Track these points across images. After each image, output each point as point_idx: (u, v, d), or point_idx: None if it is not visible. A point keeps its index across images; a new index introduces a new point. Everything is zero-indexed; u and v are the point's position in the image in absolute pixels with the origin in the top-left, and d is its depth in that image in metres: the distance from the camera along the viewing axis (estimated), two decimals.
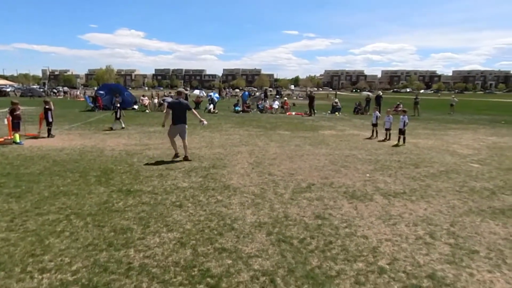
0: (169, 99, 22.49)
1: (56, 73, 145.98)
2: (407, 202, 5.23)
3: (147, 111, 21.14)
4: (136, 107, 22.63)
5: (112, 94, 22.11)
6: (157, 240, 3.80)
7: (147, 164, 7.38)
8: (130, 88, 39.97)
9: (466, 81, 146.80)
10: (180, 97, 7.95)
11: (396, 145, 10.47)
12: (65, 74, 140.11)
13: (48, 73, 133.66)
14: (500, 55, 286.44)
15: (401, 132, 10.78)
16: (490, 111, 27.93)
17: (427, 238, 4.00)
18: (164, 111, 7.07)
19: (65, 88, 62.25)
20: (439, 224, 4.42)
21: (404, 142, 10.66)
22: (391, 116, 11.77)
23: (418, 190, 5.87)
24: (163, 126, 8.25)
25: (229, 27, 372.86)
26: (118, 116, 13.21)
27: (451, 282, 3.09)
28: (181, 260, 3.37)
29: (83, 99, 35.33)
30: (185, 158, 7.69)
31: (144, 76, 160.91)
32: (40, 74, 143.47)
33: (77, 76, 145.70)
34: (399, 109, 24.09)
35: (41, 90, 49.42)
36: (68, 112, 19.82)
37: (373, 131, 12.35)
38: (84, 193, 5.31)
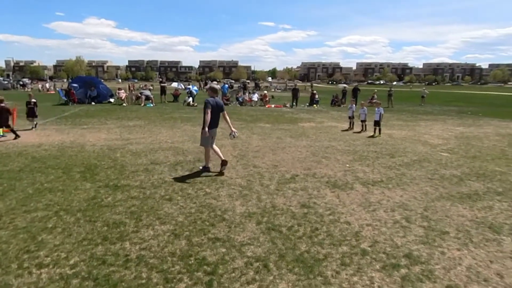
0: (147, 92, 22.12)
1: (21, 64, 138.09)
2: (384, 190, 5.60)
3: (124, 104, 20.66)
4: (112, 100, 22.06)
5: (86, 87, 21.46)
6: (151, 232, 3.91)
7: (131, 159, 7.36)
8: (102, 80, 38.36)
9: (435, 73, 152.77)
10: (215, 95, 6.37)
11: (372, 136, 10.96)
12: (31, 65, 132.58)
13: (12, 64, 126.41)
14: (466, 48, 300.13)
15: (377, 123, 11.27)
16: (457, 103, 29.43)
17: (403, 222, 4.35)
18: (204, 114, 5.93)
19: (25, 80, 54.18)
20: (414, 209, 4.80)
21: (379, 133, 11.18)
22: (365, 108, 12.23)
23: (394, 178, 6.27)
24: (205, 134, 6.02)
25: (204, 17, 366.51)
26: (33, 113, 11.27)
27: (425, 260, 3.43)
28: (177, 250, 3.52)
29: (54, 92, 33.98)
30: (223, 163, 6.35)
31: (117, 67, 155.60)
32: (3, 65, 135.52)
33: (45, 68, 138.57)
34: (374, 100, 24.97)
35: (6, 82, 45.78)
36: (40, 106, 18.95)
37: (350, 123, 12.81)
38: (70, 189, 5.29)
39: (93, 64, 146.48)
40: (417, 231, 4.09)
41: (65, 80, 76.57)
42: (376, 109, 11.57)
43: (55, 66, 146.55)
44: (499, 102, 31.03)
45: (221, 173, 6.23)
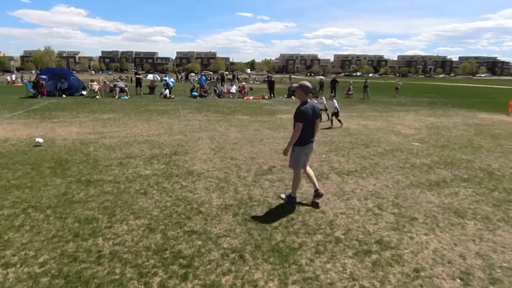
0: (122, 84, 21.47)
1: None
2: (358, 179, 5.75)
3: (97, 97, 19.96)
4: (84, 92, 21.25)
5: (56, 78, 20.55)
6: (125, 227, 3.84)
7: (104, 153, 7.16)
8: (74, 72, 36.56)
9: (409, 65, 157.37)
10: (308, 97, 4.50)
11: (329, 128, 11.00)
12: None
13: None
14: (438, 41, 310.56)
15: (336, 115, 11.30)
16: (429, 94, 30.50)
17: (375, 209, 4.50)
18: (294, 129, 4.30)
19: None
20: (386, 197, 4.97)
21: (341, 123, 11.27)
22: (335, 100, 11.83)
23: (368, 168, 6.45)
24: (286, 154, 4.54)
25: (181, 7, 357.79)
26: None
27: (395, 245, 3.57)
28: (152, 244, 3.48)
29: (21, 84, 32.31)
30: (317, 195, 4.66)
31: (90, 58, 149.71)
32: None
33: (11, 59, 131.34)
34: (350, 92, 25.46)
35: None
36: (7, 99, 18.03)
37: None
38: (40, 185, 5.09)
39: (64, 55, 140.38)
40: (388, 218, 4.24)
41: (33, 71, 72.64)
42: (331, 102, 11.55)
43: (22, 57, 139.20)
44: (466, 93, 32.42)
45: (315, 205, 4.57)
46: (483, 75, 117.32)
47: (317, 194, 4.66)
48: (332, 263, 3.23)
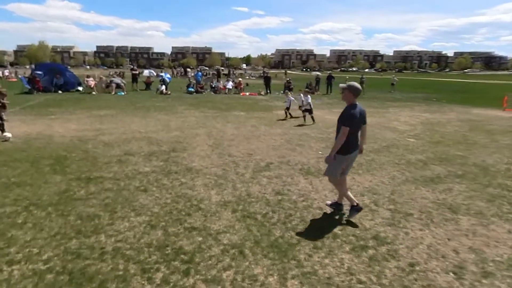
0: (118, 80, 21.37)
1: None
2: (355, 175, 5.85)
3: (93, 93, 19.86)
4: (80, 88, 21.13)
5: (51, 74, 20.40)
6: (127, 224, 3.90)
7: (103, 150, 7.18)
8: (69, 67, 36.08)
9: (405, 60, 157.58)
10: (356, 99, 4.12)
11: (302, 124, 10.89)
12: None
13: None
14: (433, 36, 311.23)
15: (310, 111, 11.19)
16: (424, 89, 30.67)
17: (372, 205, 4.60)
18: (341, 132, 3.93)
19: None
20: (382, 193, 5.07)
21: (313, 120, 11.16)
22: (308, 96, 11.66)
23: (364, 164, 6.55)
24: (334, 158, 4.02)
25: (175, 1, 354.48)
26: None
27: (391, 241, 3.67)
28: (153, 241, 3.55)
29: (16, 79, 32.01)
30: (356, 208, 4.14)
31: (85, 53, 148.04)
32: None
33: (4, 53, 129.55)
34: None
35: None
36: None
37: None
38: (40, 183, 5.12)
39: (58, 49, 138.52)
40: (384, 214, 4.34)
41: (27, 66, 71.89)
42: (305, 97, 11.32)
43: (15, 52, 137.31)
44: (461, 89, 32.65)
45: (352, 223, 4.08)
46: (476, 70, 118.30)
47: (354, 208, 4.14)
48: (330, 258, 3.32)
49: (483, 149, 7.93)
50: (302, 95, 11.64)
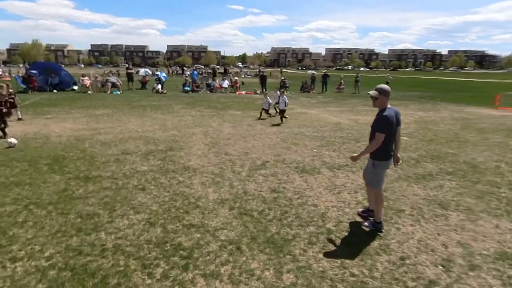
0: (114, 79, 21.32)
1: None
2: (349, 173, 5.98)
3: (89, 92, 19.80)
4: (76, 88, 21.05)
5: (46, 73, 20.30)
6: (126, 222, 3.99)
7: (100, 149, 7.24)
8: (63, 66, 35.61)
9: (400, 59, 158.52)
10: (386, 99, 3.87)
11: (278, 125, 10.79)
12: None
13: None
14: (428, 34, 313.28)
15: (282, 112, 11.20)
16: (418, 88, 30.98)
17: (365, 202, 4.72)
18: (374, 140, 3.72)
19: None
20: None
21: (282, 120, 11.12)
22: (285, 96, 11.55)
23: (358, 162, 6.67)
24: (356, 159, 3.96)
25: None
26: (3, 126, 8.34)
27: (383, 236, 3.81)
28: (152, 238, 3.65)
29: (10, 78, 31.74)
30: (377, 226, 3.94)
31: (79, 52, 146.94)
32: None
33: None
34: (342, 87, 25.73)
35: None
36: None
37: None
38: (39, 182, 5.19)
39: (52, 48, 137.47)
40: None
41: (21, 65, 71.20)
42: (281, 98, 11.34)
43: (8, 50, 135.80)
44: (455, 87, 33.00)
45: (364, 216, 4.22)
46: (467, 69, 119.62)
47: (370, 214, 4.11)
48: (324, 252, 3.45)
49: (474, 147, 8.11)
50: (278, 93, 11.52)
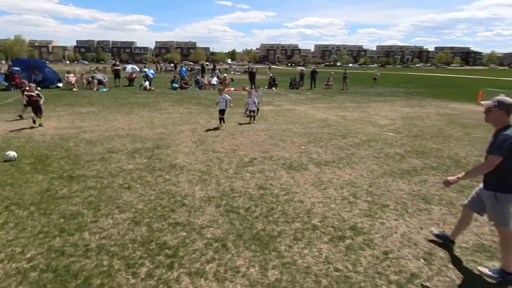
0: (100, 76, 20.95)
1: None
2: (335, 169, 6.04)
3: (74, 89, 19.42)
4: (60, 85, 20.62)
5: (30, 70, 19.81)
6: (111, 221, 3.94)
7: (85, 148, 7.12)
8: (48, 63, 34.71)
9: (388, 55, 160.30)
10: (508, 116, 2.96)
11: (249, 123, 10.47)
12: None
13: None
14: (415, 31, 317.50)
15: (255, 111, 10.83)
16: (405, 84, 31.40)
17: (350, 198, 4.79)
18: (486, 162, 2.94)
19: None
20: (360, 186, 5.27)
21: (254, 119, 10.68)
22: (260, 91, 11.42)
23: (344, 158, 6.76)
24: (448, 185, 3.19)
25: None
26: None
27: (367, 231, 3.86)
28: (137, 237, 3.62)
29: None
30: (506, 276, 3.04)
31: (64, 48, 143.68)
32: None
33: None
34: (330, 83, 25.88)
35: None
36: None
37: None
38: (21, 182, 5.08)
39: (36, 44, 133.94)
40: (362, 206, 4.54)
41: (3, 62, 69.25)
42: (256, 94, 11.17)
43: None
44: (441, 84, 33.59)
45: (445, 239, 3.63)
46: (452, 65, 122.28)
47: (445, 240, 3.60)
48: (309, 248, 3.48)
49: (457, 142, 8.29)
50: (254, 91, 11.36)
